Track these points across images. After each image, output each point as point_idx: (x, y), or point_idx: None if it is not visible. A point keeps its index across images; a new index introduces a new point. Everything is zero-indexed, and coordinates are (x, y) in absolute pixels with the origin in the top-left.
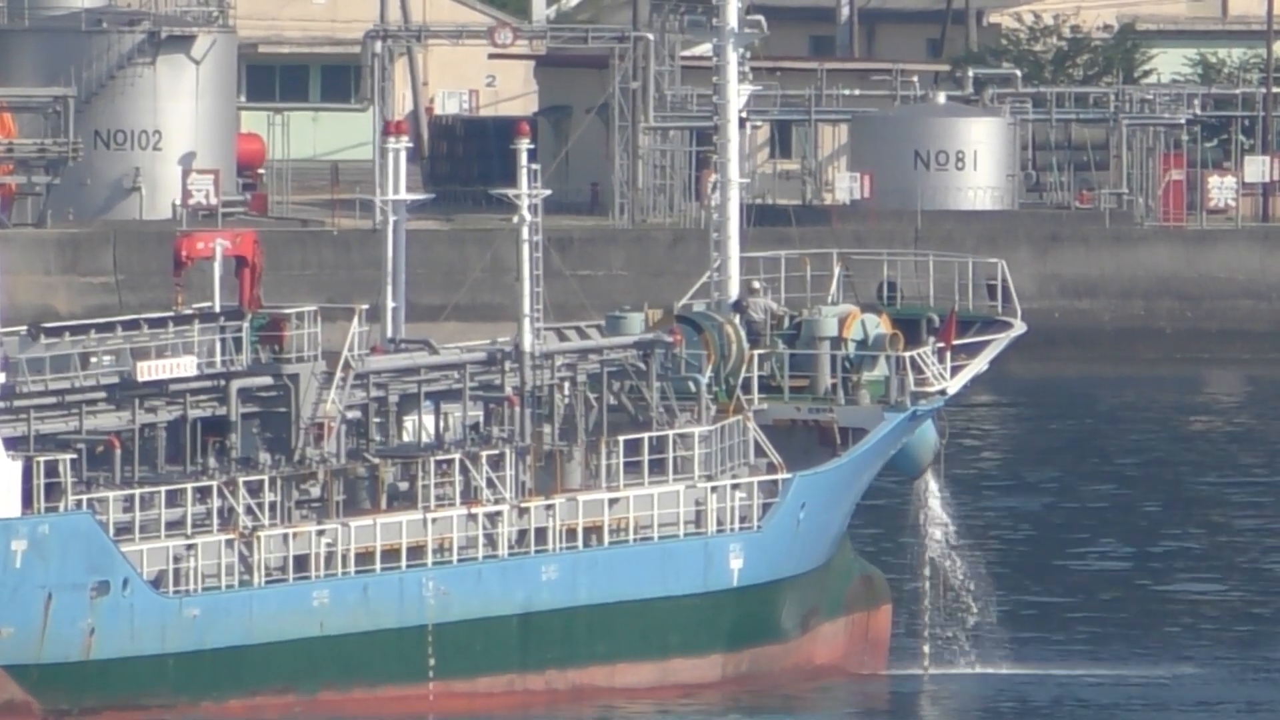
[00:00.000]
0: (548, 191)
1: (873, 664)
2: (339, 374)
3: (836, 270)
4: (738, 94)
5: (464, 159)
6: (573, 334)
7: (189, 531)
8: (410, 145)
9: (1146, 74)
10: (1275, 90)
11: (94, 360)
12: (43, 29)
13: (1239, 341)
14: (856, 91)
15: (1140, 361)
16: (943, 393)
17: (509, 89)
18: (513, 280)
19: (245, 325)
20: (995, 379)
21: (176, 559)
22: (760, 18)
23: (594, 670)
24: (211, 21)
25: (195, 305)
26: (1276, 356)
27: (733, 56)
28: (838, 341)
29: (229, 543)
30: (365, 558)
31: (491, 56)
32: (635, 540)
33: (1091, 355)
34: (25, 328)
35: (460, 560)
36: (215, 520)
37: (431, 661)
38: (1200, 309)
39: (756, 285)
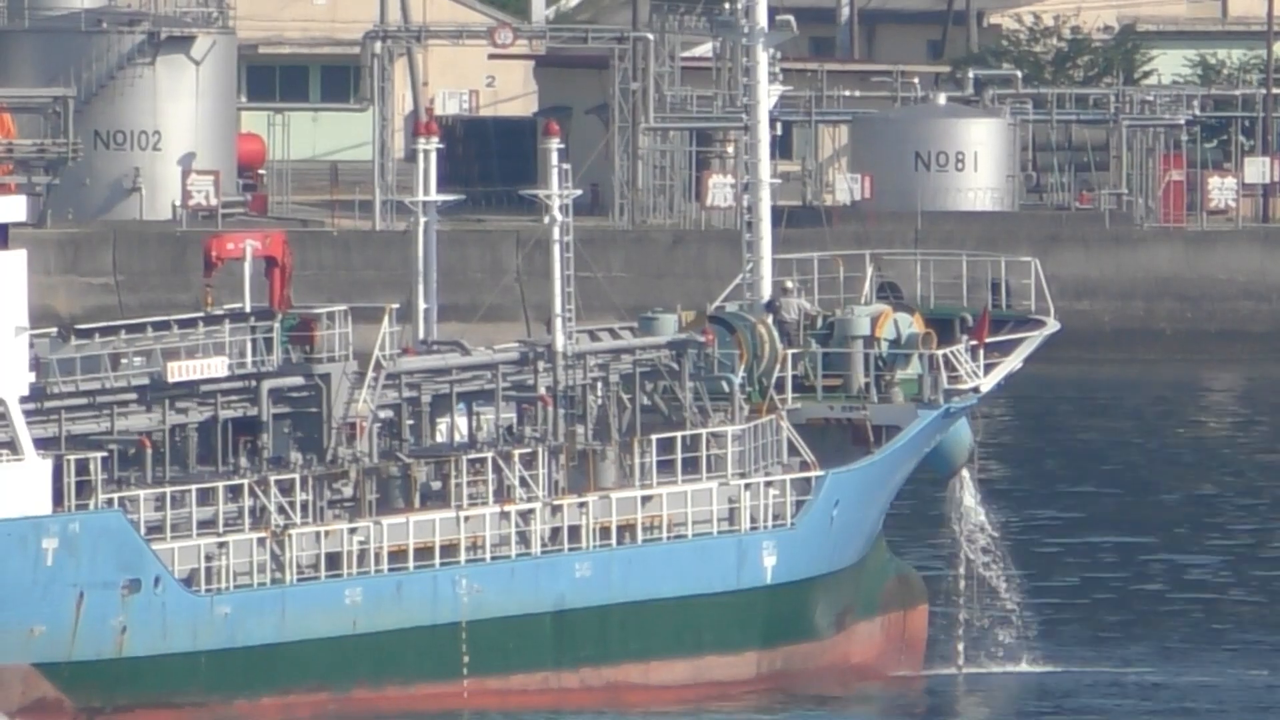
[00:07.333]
0: (578, 191)
1: (909, 664)
2: (370, 374)
3: (870, 270)
4: (768, 94)
5: (464, 159)
6: (605, 335)
7: (221, 530)
8: (442, 145)
9: (1147, 75)
10: (1275, 91)
11: (124, 361)
12: (43, 29)
13: (1239, 342)
14: (857, 93)
15: (1140, 362)
16: (976, 390)
17: (509, 89)
18: (513, 281)
19: (276, 325)
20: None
21: (208, 557)
22: (790, 18)
23: (628, 668)
24: (211, 22)
25: (225, 306)
26: (1276, 357)
27: (763, 57)
28: (870, 340)
29: (261, 541)
30: (399, 556)
31: (491, 57)
32: (669, 538)
33: (1092, 356)
34: (55, 329)
35: (493, 558)
36: (247, 519)
37: (465, 659)
38: (1200, 310)
39: (789, 285)
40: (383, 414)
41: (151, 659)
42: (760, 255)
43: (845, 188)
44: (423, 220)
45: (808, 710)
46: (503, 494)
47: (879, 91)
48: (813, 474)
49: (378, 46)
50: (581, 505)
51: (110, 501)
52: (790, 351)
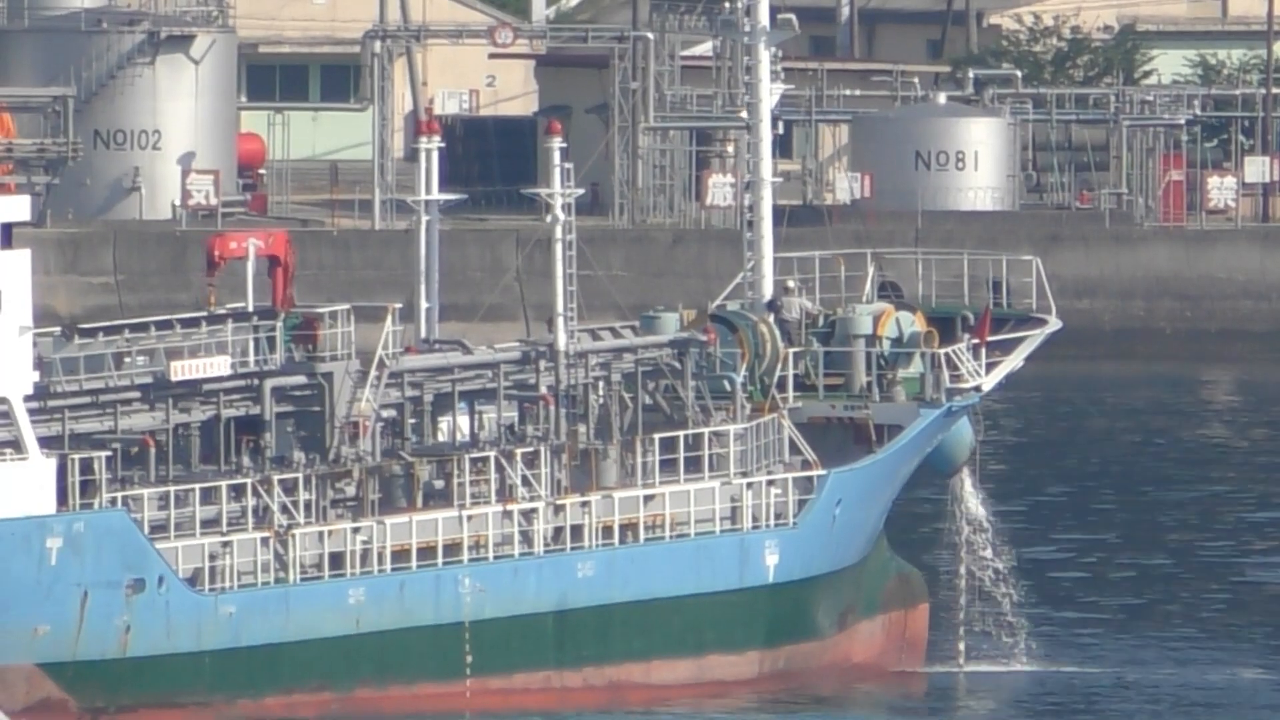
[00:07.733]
0: (580, 190)
1: (910, 663)
2: (373, 373)
3: (871, 270)
4: (769, 93)
5: (464, 159)
6: (606, 334)
7: (224, 529)
8: (443, 144)
9: (1146, 75)
10: (1275, 91)
11: (128, 360)
12: (43, 29)
13: (1238, 342)
14: (857, 92)
15: (1140, 361)
16: (977, 389)
17: (509, 89)
18: (513, 280)
19: (278, 325)
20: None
21: (212, 557)
22: (792, 16)
23: (630, 667)
24: (211, 21)
25: (228, 305)
26: (1276, 357)
27: (765, 56)
28: (872, 339)
29: (264, 540)
30: (402, 556)
31: (491, 56)
32: (671, 537)
33: (1091, 355)
34: (60, 328)
35: (496, 558)
36: (250, 518)
37: (468, 659)
38: (1200, 309)
39: (791, 284)
40: (385, 413)
41: (155, 659)
42: (761, 254)
43: (846, 187)
44: (425, 219)
45: (809, 710)
46: (505, 493)
47: (879, 91)
48: (815, 473)
49: (377, 46)
50: (584, 504)
51: (114, 501)
52: (792, 350)
